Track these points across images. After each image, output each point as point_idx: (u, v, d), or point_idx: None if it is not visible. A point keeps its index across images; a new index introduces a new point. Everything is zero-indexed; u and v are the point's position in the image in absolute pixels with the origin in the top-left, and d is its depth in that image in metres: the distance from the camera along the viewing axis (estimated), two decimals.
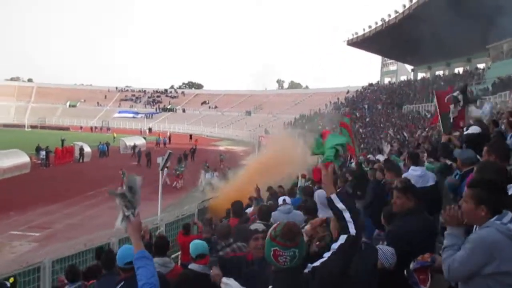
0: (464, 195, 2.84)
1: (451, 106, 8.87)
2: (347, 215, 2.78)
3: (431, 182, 5.94)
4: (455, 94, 9.07)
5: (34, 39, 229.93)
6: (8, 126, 75.91)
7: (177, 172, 27.04)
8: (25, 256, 13.00)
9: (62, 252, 10.04)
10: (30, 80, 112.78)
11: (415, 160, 6.39)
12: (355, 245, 2.72)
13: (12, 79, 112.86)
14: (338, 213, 2.82)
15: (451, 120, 8.88)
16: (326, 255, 2.66)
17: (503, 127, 8.36)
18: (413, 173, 5.95)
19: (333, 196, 2.87)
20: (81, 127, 77.82)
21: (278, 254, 2.40)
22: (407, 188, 3.97)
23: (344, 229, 2.75)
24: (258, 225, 5.83)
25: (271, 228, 2.51)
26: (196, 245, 4.70)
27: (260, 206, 7.23)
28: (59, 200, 22.23)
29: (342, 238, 2.69)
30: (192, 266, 4.60)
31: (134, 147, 42.13)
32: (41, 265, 9.01)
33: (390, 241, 3.79)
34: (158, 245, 5.50)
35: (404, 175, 6.01)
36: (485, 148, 4.43)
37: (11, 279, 6.69)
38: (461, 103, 8.87)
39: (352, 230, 2.71)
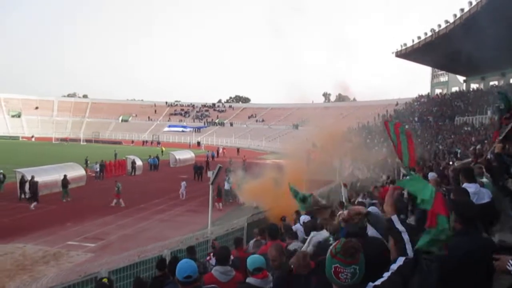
0: None
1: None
2: (405, 237, 2.83)
3: (486, 199, 5.73)
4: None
5: (88, 57, 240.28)
6: (65, 140, 79.62)
7: None
8: (82, 266, 13.53)
9: (117, 263, 10.41)
10: (85, 96, 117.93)
11: (470, 177, 6.16)
12: (412, 267, 2.73)
13: (68, 95, 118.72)
14: (397, 234, 2.87)
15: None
16: (386, 275, 2.68)
17: None
18: (467, 190, 5.77)
19: (394, 217, 2.94)
20: (132, 141, 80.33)
21: (339, 271, 2.42)
22: (455, 208, 3.89)
23: (402, 251, 2.78)
24: (295, 245, 5.94)
25: (332, 246, 2.53)
26: (254, 259, 4.78)
27: (305, 222, 7.55)
28: (113, 212, 23.02)
29: (400, 260, 2.73)
30: (250, 280, 4.66)
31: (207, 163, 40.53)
32: (98, 276, 9.37)
33: (438, 261, 3.72)
34: (220, 255, 5.65)
35: None
36: None
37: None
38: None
39: (410, 252, 2.75)
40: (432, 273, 3.11)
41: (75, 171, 30.33)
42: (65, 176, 26.88)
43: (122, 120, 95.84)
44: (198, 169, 35.76)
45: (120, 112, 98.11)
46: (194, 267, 4.10)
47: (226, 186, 26.63)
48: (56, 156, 42.24)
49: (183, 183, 28.07)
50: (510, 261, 2.95)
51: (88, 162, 38.68)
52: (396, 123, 5.98)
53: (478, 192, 5.72)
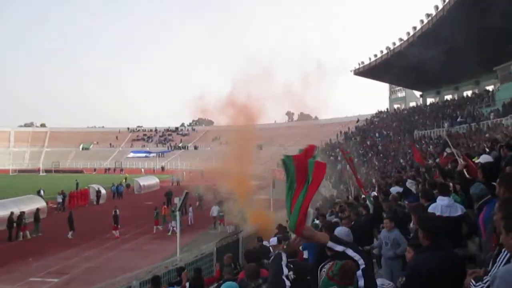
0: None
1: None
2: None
3: (459, 212, 5.90)
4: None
5: (46, 85, 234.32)
6: (23, 171, 76.97)
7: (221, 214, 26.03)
8: None
9: None
10: (43, 125, 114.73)
11: (445, 190, 6.33)
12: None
13: (25, 125, 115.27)
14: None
15: None
16: None
17: None
18: (441, 202, 5.95)
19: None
20: (94, 169, 78.61)
21: None
22: (421, 224, 4.05)
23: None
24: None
25: (327, 268, 2.69)
26: (229, 286, 4.74)
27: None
28: (77, 244, 22.31)
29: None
30: None
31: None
32: None
33: (407, 275, 3.80)
34: (195, 281, 5.56)
35: (431, 205, 6.02)
36: (498, 180, 4.37)
37: None
38: None
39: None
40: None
41: (35, 204, 29.27)
42: (37, 209, 26.42)
43: (83, 148, 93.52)
44: (169, 195, 35.13)
45: (81, 140, 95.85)
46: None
47: (215, 213, 26.75)
48: (14, 189, 40.72)
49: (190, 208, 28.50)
50: (473, 280, 3.00)
51: (42, 193, 37.23)
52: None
53: (451, 205, 5.89)
